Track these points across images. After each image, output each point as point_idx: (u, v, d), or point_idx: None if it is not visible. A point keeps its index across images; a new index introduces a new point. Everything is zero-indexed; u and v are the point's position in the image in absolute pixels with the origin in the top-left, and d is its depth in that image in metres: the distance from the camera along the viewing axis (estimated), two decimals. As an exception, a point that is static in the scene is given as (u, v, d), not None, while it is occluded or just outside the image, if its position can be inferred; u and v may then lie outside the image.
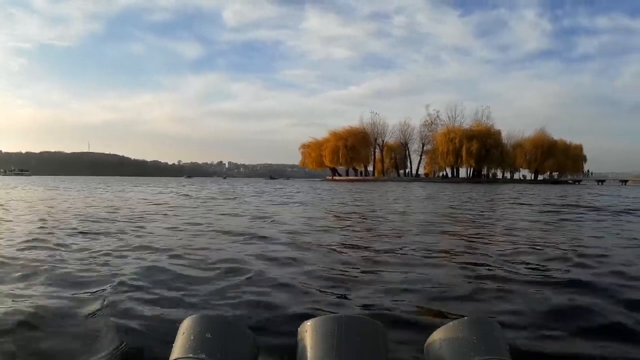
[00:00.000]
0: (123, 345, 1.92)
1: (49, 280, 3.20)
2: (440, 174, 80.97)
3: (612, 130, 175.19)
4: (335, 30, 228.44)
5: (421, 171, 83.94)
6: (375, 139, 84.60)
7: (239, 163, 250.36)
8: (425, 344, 0.88)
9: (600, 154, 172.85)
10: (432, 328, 0.89)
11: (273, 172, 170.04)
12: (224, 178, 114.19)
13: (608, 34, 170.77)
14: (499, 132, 78.79)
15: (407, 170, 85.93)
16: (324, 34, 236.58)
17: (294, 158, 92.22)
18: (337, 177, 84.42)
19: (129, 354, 1.84)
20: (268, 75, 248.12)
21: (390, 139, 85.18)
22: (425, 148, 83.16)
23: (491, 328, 0.85)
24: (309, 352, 0.80)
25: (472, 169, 79.00)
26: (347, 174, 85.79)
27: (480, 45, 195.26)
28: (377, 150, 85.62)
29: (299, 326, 0.86)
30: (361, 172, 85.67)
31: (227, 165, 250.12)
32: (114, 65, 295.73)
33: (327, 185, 44.77)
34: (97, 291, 2.87)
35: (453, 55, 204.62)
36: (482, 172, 79.98)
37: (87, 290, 2.90)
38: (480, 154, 74.36)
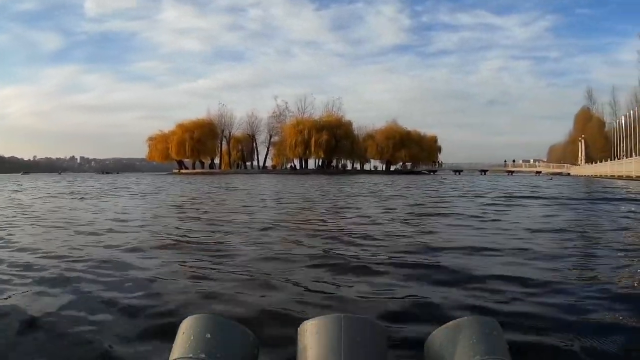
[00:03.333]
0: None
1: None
2: (289, 166, 78.04)
3: (466, 123, 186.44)
4: (190, 22, 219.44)
5: (269, 163, 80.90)
6: (223, 131, 79.80)
7: (90, 157, 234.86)
8: (425, 344, 0.88)
9: (454, 145, 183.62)
10: (432, 328, 0.88)
11: (120, 167, 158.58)
12: (59, 173, 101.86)
13: (469, 30, 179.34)
14: (349, 123, 77.61)
15: (254, 163, 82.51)
16: (178, 26, 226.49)
17: (143, 151, 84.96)
18: (183, 170, 77.96)
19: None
20: (122, 67, 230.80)
21: (238, 131, 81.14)
22: (273, 139, 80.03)
23: (491, 328, 0.84)
24: (309, 352, 0.79)
25: (321, 160, 76.76)
26: (194, 167, 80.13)
27: (334, 39, 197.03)
28: (224, 142, 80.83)
29: (298, 326, 0.85)
30: (209, 165, 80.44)
31: (78, 160, 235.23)
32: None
33: (160, 180, 35.74)
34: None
35: (305, 49, 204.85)
36: (332, 163, 78.09)
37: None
38: (330, 145, 72.47)
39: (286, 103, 79.23)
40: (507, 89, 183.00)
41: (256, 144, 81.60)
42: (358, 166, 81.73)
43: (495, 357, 0.78)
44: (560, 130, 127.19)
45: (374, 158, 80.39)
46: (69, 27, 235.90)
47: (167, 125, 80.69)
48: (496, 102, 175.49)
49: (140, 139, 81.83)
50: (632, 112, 50.40)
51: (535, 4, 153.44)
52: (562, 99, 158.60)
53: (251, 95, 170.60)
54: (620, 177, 35.30)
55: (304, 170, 72.54)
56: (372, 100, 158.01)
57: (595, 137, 69.11)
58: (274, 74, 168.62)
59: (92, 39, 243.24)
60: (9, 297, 2.56)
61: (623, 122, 53.63)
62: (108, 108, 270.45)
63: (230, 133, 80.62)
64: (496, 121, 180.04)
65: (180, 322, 0.85)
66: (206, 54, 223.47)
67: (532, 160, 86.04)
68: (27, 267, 3.32)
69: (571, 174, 62.32)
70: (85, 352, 1.83)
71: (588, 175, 48.80)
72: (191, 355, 0.77)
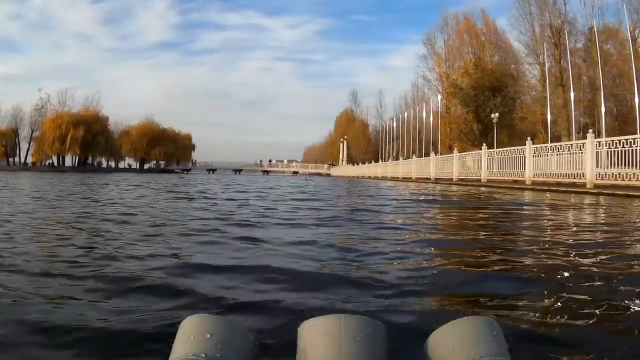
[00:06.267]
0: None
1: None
2: (48, 163, 75.49)
3: (224, 122, 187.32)
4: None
5: (31, 159, 76.58)
6: (-11, 125, 73.82)
7: None
8: (425, 343, 0.88)
9: (211, 144, 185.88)
10: (432, 328, 0.89)
11: None
12: None
13: (236, 30, 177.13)
14: (106, 119, 76.71)
15: (16, 159, 77.99)
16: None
17: None
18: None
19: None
20: None
21: (3, 125, 75.65)
22: (34, 134, 76.03)
23: (491, 328, 0.85)
24: (309, 352, 0.80)
25: (78, 157, 75.43)
26: (-39, 164, 73.33)
27: (104, 34, 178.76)
28: (-11, 137, 74.58)
29: (299, 326, 0.86)
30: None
31: None
32: None
33: None
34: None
35: (76, 42, 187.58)
36: (88, 161, 77.46)
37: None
38: (86, 141, 71.36)
39: (49, 95, 75.14)
40: (268, 89, 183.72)
41: (19, 138, 77.11)
42: (113, 164, 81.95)
43: (495, 357, 0.77)
44: (321, 132, 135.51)
45: (129, 155, 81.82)
46: None
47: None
48: (256, 102, 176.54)
49: None
50: (406, 114, 51.13)
51: (308, 8, 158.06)
52: (326, 101, 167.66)
53: (25, 89, 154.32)
54: (395, 179, 34.29)
55: (61, 168, 71.11)
56: (134, 96, 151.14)
57: (358, 138, 71.31)
58: (45, 67, 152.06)
59: None
60: None
61: (395, 124, 54.49)
62: None
63: (-5, 127, 74.39)
64: (255, 121, 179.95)
65: (181, 322, 0.86)
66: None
67: (286, 161, 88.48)
68: None
69: (332, 174, 63.64)
70: None
71: (353, 176, 49.30)
72: (191, 355, 0.77)
